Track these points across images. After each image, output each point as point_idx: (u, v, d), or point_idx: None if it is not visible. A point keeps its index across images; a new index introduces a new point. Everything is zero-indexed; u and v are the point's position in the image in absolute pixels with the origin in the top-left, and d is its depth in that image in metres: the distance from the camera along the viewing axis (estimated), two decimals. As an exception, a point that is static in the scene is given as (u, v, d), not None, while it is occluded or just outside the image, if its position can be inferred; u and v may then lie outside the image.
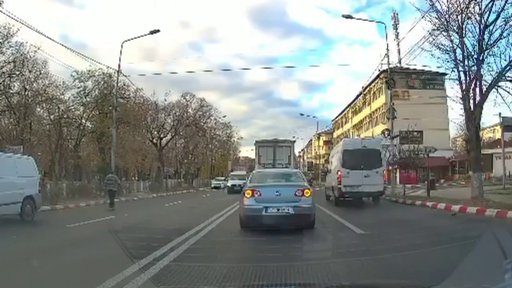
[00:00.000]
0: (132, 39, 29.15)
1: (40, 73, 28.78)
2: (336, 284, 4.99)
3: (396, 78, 31.51)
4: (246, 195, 9.85)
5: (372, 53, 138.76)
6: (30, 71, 27.75)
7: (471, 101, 14.63)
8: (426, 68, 32.16)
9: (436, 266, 5.72)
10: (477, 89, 14.41)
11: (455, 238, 8.05)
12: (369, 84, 47.70)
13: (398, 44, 36.26)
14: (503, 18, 13.62)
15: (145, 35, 28.66)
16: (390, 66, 26.05)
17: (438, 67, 17.23)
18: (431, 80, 46.02)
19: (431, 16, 15.65)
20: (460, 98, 14.78)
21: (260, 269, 5.77)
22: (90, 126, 36.26)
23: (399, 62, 28.37)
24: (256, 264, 6.15)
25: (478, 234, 6.95)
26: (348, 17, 26.84)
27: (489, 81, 14.28)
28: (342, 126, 73.08)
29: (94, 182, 33.30)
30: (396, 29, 43.16)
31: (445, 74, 30.05)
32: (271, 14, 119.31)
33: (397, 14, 46.53)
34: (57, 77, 30.81)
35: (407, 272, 5.64)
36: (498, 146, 31.83)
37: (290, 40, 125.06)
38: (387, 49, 25.45)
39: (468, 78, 14.56)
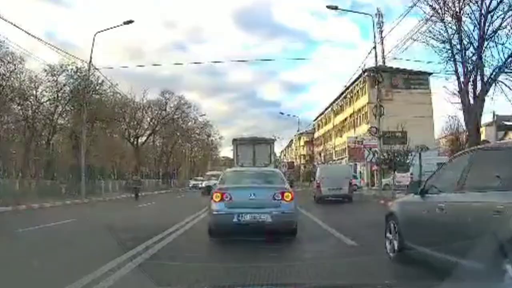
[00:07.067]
0: (105, 30, 28.11)
1: (16, 68, 28.11)
2: (332, 284, 4.66)
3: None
4: (214, 198, 8.31)
5: (355, 56, 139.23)
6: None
7: (471, 94, 13.46)
8: (411, 68, 31.59)
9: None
10: (478, 81, 13.25)
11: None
12: (352, 84, 47.08)
13: (382, 43, 35.50)
14: (505, 3, 12.62)
15: (119, 25, 27.65)
16: (374, 65, 25.19)
17: (428, 62, 16.30)
18: (416, 80, 45.68)
19: (425, 2, 14.52)
20: (458, 92, 13.58)
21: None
22: (63, 122, 34.84)
23: (383, 61, 27.62)
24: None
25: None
26: (333, 8, 25.85)
27: (488, 74, 13.23)
28: (323, 126, 72.43)
29: (65, 182, 31.78)
30: (381, 28, 42.45)
31: (430, 73, 29.35)
32: (256, 15, 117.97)
33: (381, 13, 45.77)
34: (31, 72, 29.94)
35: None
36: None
37: (274, 41, 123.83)
38: (374, 42, 24.63)
39: (466, 70, 13.40)
